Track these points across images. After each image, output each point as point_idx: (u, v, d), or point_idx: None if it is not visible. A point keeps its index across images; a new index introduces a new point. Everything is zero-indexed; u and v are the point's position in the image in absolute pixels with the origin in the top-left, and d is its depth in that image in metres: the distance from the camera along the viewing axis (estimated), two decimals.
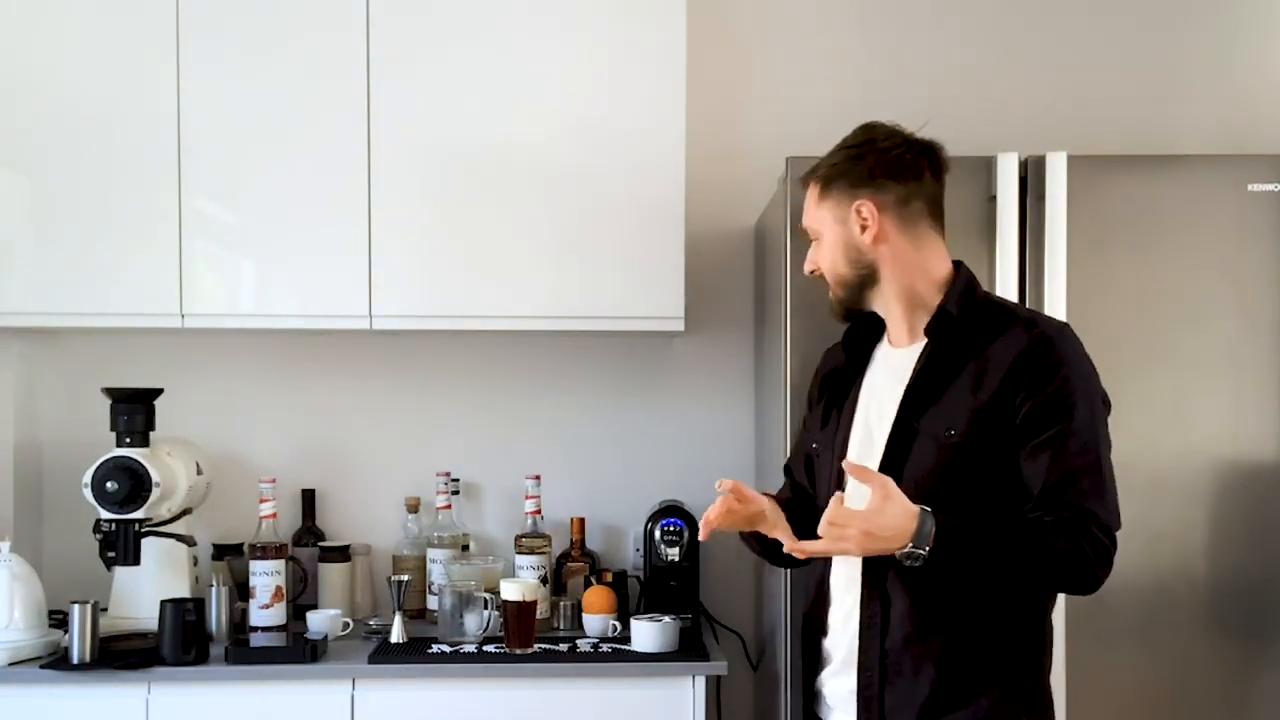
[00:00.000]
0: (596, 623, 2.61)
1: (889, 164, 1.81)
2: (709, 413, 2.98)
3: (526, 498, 2.81)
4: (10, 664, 2.37)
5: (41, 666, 2.37)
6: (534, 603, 2.51)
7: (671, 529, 2.70)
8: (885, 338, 1.93)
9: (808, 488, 2.03)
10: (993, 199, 2.26)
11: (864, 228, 1.81)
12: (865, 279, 1.84)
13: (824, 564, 1.89)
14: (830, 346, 2.06)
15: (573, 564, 2.81)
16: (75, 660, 2.36)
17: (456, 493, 2.87)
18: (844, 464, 1.72)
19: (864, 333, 1.94)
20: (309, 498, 2.90)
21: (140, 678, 2.36)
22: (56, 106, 2.58)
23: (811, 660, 1.93)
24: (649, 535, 2.71)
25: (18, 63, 2.59)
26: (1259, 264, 2.28)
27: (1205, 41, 2.99)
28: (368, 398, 2.95)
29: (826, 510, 1.67)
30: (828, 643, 1.89)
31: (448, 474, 2.86)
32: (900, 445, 1.78)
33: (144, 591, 2.58)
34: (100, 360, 2.88)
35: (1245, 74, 2.99)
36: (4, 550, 2.42)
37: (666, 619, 2.49)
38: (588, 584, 2.73)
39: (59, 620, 2.53)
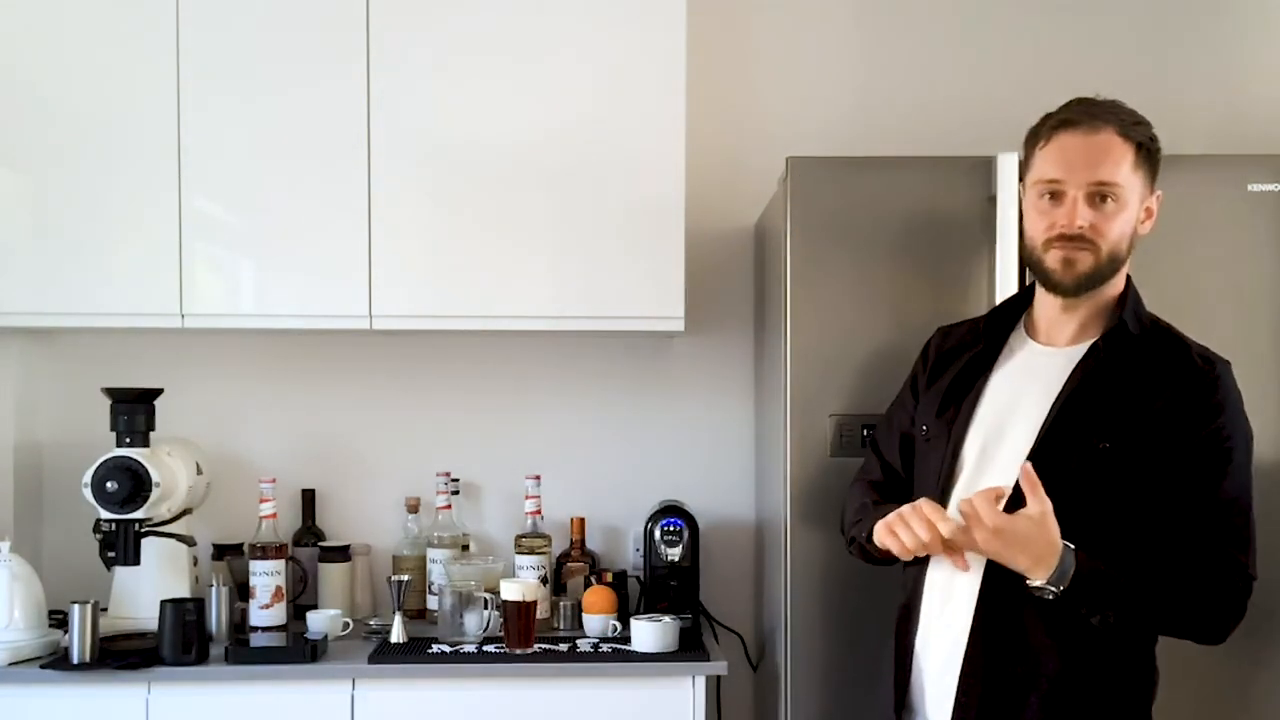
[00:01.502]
0: (596, 623, 2.61)
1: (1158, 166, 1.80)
2: (709, 413, 2.98)
3: (526, 498, 2.81)
4: (10, 664, 2.37)
5: (41, 666, 2.37)
6: (534, 603, 2.51)
7: (671, 529, 2.70)
8: (1024, 332, 1.87)
9: (899, 469, 1.97)
10: (992, 199, 2.26)
11: (1146, 220, 1.78)
12: (1119, 267, 1.78)
13: (920, 563, 1.84)
14: (948, 325, 2.02)
15: (573, 564, 2.81)
16: (75, 660, 2.36)
17: (456, 493, 2.87)
18: (1022, 468, 1.65)
19: (1001, 321, 1.89)
20: (309, 498, 2.90)
21: (140, 678, 2.36)
22: (56, 106, 2.58)
23: (902, 662, 1.88)
24: (649, 535, 2.71)
25: (18, 63, 2.59)
26: (1259, 264, 2.28)
27: (1205, 41, 2.99)
28: (368, 398, 2.95)
29: (975, 496, 1.66)
30: (919, 646, 1.85)
31: (448, 474, 2.85)
32: (1051, 449, 1.72)
33: (144, 591, 2.58)
34: (100, 360, 2.87)
35: (1245, 74, 2.99)
36: (4, 550, 2.42)
37: (666, 619, 2.49)
38: (588, 584, 2.73)
39: (59, 620, 2.53)
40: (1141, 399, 1.71)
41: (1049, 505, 1.63)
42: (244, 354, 2.92)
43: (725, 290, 2.95)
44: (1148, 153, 1.76)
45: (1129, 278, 1.83)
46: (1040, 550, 1.63)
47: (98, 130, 2.58)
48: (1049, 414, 1.75)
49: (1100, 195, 1.73)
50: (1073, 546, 1.64)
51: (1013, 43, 2.98)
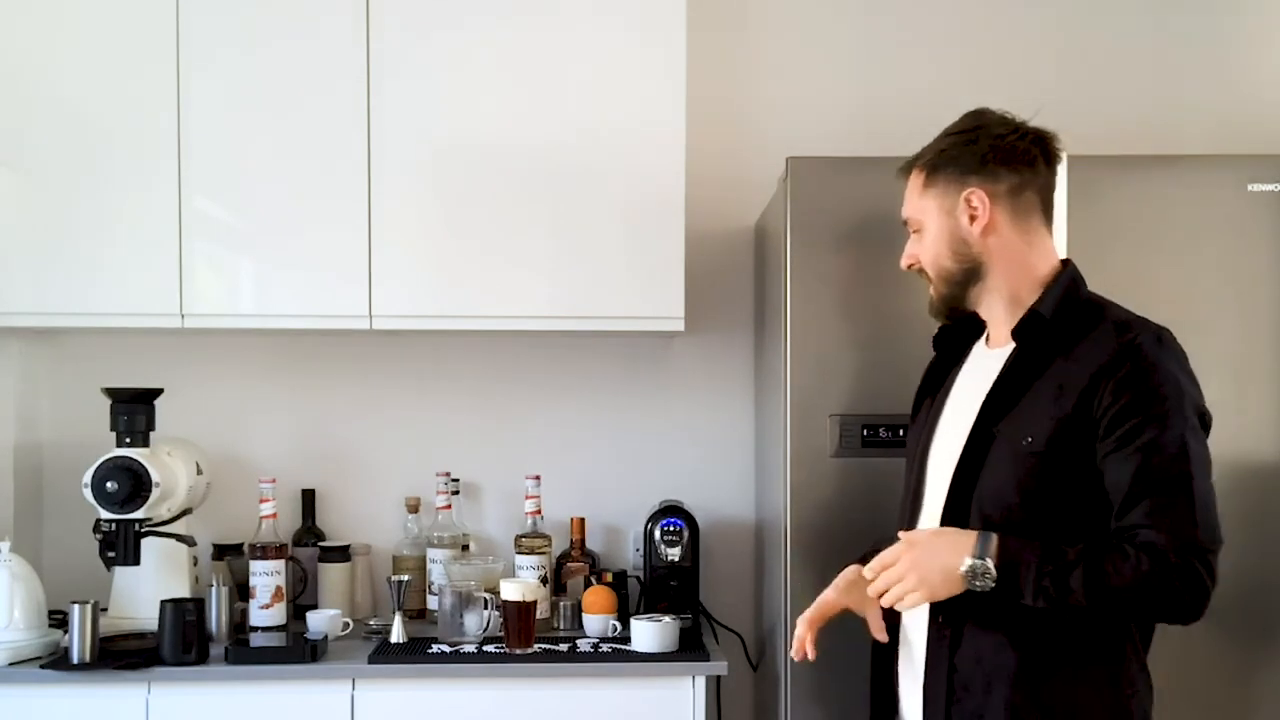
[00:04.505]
0: (596, 623, 2.61)
1: (1003, 150, 1.72)
2: (709, 413, 2.98)
3: (526, 498, 2.81)
4: (10, 664, 2.37)
5: (41, 666, 2.37)
6: (534, 603, 2.51)
7: (671, 529, 2.70)
8: (984, 337, 1.86)
9: None
10: None
11: (973, 218, 1.73)
12: (970, 274, 1.75)
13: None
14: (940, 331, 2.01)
15: (573, 564, 2.81)
16: (75, 660, 2.36)
17: (456, 493, 2.87)
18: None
19: (963, 330, 1.87)
20: (309, 498, 2.90)
21: (140, 678, 2.36)
22: (56, 106, 2.58)
23: (883, 689, 1.87)
24: (649, 535, 2.71)
25: (18, 62, 2.59)
26: (1259, 264, 2.28)
27: (1205, 41, 2.99)
28: (368, 398, 2.95)
29: (871, 561, 1.67)
30: (901, 669, 1.84)
31: (448, 474, 2.85)
32: (976, 452, 1.69)
33: (144, 591, 2.58)
34: (100, 360, 2.88)
35: (1245, 74, 2.99)
36: (4, 550, 2.42)
37: (666, 619, 2.49)
38: (588, 584, 2.73)
39: (59, 620, 2.53)
40: (1062, 386, 1.66)
41: (912, 534, 1.69)
42: (244, 354, 2.92)
43: (725, 290, 2.95)
44: (933, 166, 1.77)
45: (1066, 261, 1.78)
46: (954, 537, 1.64)
47: (97, 130, 2.58)
48: (975, 418, 1.73)
49: (915, 231, 1.83)
50: (990, 533, 1.62)
51: (1012, 43, 2.98)
